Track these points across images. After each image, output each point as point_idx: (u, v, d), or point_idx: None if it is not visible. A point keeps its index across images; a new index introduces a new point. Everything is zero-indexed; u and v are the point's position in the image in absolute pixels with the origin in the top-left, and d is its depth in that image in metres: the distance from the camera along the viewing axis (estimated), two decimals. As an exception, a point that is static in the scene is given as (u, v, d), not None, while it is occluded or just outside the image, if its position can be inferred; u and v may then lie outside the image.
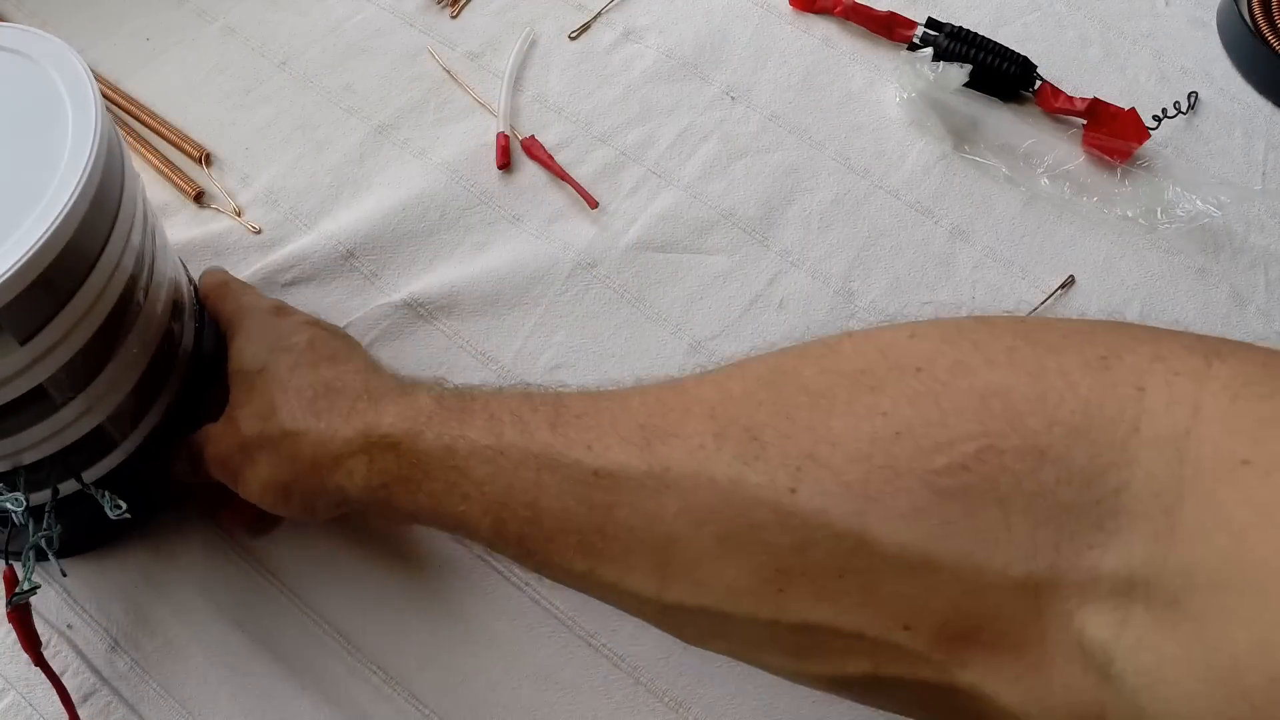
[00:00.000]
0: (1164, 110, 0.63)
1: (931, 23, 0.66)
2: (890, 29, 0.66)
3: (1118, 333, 0.28)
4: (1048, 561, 0.26)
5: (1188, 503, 0.24)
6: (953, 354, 0.28)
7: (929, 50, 0.64)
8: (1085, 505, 0.25)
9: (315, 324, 0.45)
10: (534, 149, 0.61)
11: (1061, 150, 0.61)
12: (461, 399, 0.37)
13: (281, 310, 0.47)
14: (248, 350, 0.44)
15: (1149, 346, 0.27)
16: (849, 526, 0.28)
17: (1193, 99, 0.65)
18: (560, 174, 0.60)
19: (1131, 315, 0.57)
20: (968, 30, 0.65)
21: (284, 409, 0.40)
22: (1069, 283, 0.58)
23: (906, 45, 0.66)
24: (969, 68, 0.63)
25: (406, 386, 0.39)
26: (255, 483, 0.41)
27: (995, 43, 0.64)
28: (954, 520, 0.27)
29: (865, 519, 0.28)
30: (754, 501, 0.29)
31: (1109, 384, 0.26)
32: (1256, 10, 0.68)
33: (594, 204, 0.59)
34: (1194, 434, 0.24)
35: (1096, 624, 0.25)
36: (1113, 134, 0.61)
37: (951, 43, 0.64)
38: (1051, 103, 0.63)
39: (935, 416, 0.27)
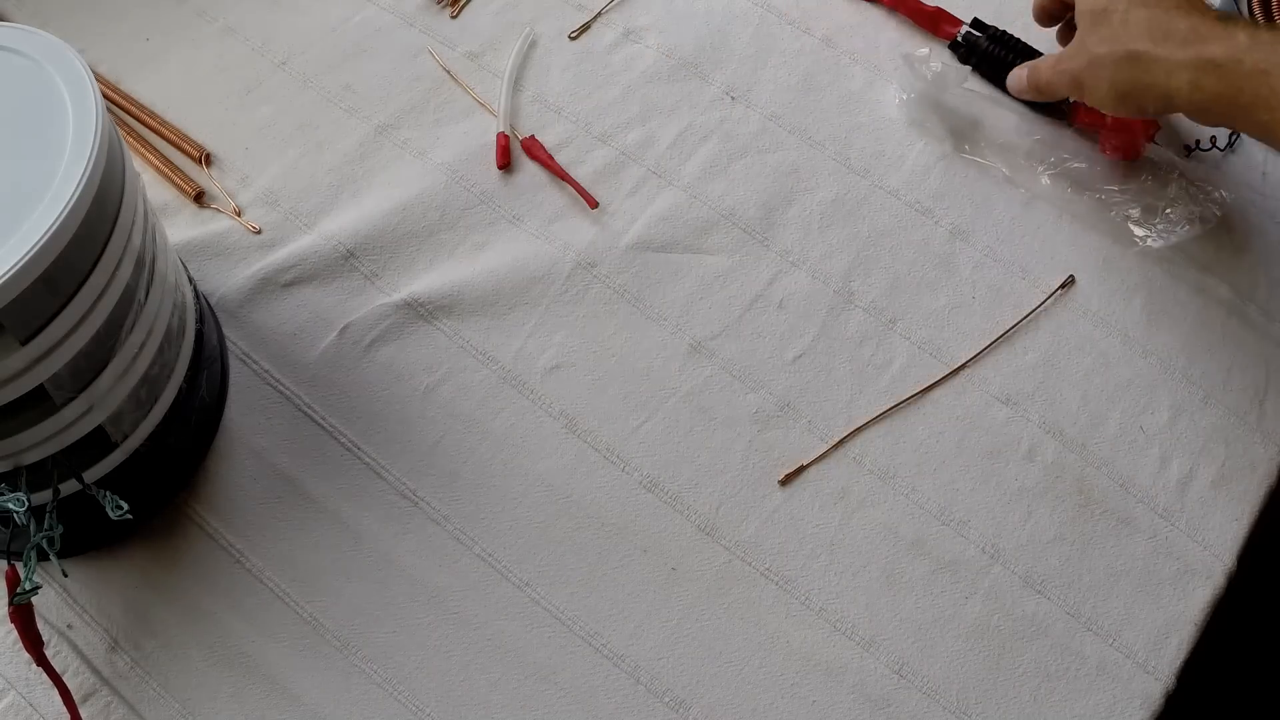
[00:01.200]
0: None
1: (976, 23, 0.66)
2: (936, 24, 0.66)
3: None
4: None
5: None
6: None
7: (926, 50, 0.64)
8: None
9: None
10: (534, 149, 0.61)
11: (1062, 150, 0.61)
12: (1275, 35, 0.49)
13: None
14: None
15: None
16: None
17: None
18: (560, 174, 0.60)
19: (1132, 315, 0.57)
20: (1012, 36, 0.64)
21: (1126, 36, 0.53)
22: (1069, 283, 0.58)
23: (949, 43, 0.66)
24: (967, 69, 0.63)
25: (1225, 24, 0.51)
26: (1102, 88, 0.54)
27: (1037, 51, 0.64)
28: None
29: None
30: None
31: None
32: (1256, 10, 0.68)
33: (594, 204, 0.59)
34: None
35: None
36: (1122, 130, 0.61)
37: (993, 45, 0.64)
38: (1084, 118, 0.63)
39: None
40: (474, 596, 0.49)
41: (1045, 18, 0.63)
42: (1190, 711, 0.50)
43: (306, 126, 0.62)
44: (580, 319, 0.56)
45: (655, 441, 0.53)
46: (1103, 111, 0.56)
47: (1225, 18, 0.51)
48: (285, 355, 0.55)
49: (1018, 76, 0.62)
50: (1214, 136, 0.64)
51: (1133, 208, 0.60)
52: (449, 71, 0.64)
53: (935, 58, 0.63)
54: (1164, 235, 0.59)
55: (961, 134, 0.63)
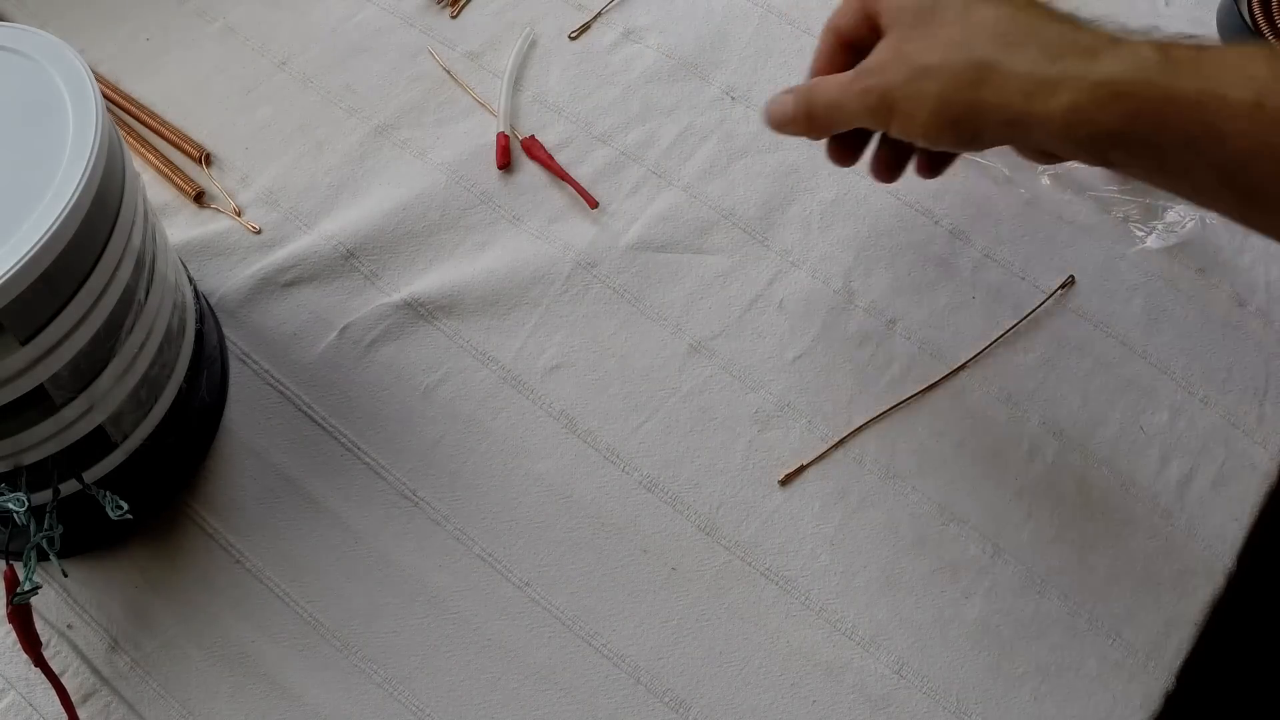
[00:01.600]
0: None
1: None
2: None
3: None
4: None
5: None
6: None
7: None
8: None
9: None
10: (534, 149, 0.61)
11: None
12: (1196, 52, 0.37)
13: None
14: None
15: None
16: None
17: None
18: (560, 174, 0.60)
19: (1132, 315, 0.57)
20: None
21: (968, 40, 0.39)
22: (1069, 283, 0.58)
23: None
24: None
25: (1112, 35, 0.39)
26: (922, 111, 0.40)
27: None
28: None
29: None
30: None
31: None
32: (1256, 10, 0.68)
33: (594, 204, 0.59)
34: None
35: None
36: None
37: None
38: None
39: None
40: (474, 596, 0.49)
41: (845, 36, 0.46)
42: (1190, 711, 0.50)
43: (306, 126, 0.62)
44: (580, 319, 0.56)
45: (655, 441, 0.53)
46: (913, 143, 0.43)
47: (1111, 33, 0.39)
48: (285, 355, 0.55)
49: (781, 104, 0.46)
50: None
51: (1132, 208, 0.60)
52: (449, 71, 0.64)
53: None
54: (1164, 235, 0.59)
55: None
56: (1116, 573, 0.50)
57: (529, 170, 0.61)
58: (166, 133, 0.61)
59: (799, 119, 0.45)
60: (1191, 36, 0.39)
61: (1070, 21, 0.40)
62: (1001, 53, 0.39)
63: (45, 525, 0.43)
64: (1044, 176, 0.61)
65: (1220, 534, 0.51)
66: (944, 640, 0.48)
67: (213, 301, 0.56)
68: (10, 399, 0.38)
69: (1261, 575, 0.55)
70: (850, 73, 0.43)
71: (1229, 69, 0.36)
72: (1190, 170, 0.37)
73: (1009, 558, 0.50)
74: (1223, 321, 0.57)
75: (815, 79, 0.45)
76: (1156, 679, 0.48)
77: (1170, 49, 0.37)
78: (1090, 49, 0.38)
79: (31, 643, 0.44)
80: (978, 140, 0.41)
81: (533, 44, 0.66)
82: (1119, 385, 0.55)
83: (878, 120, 0.43)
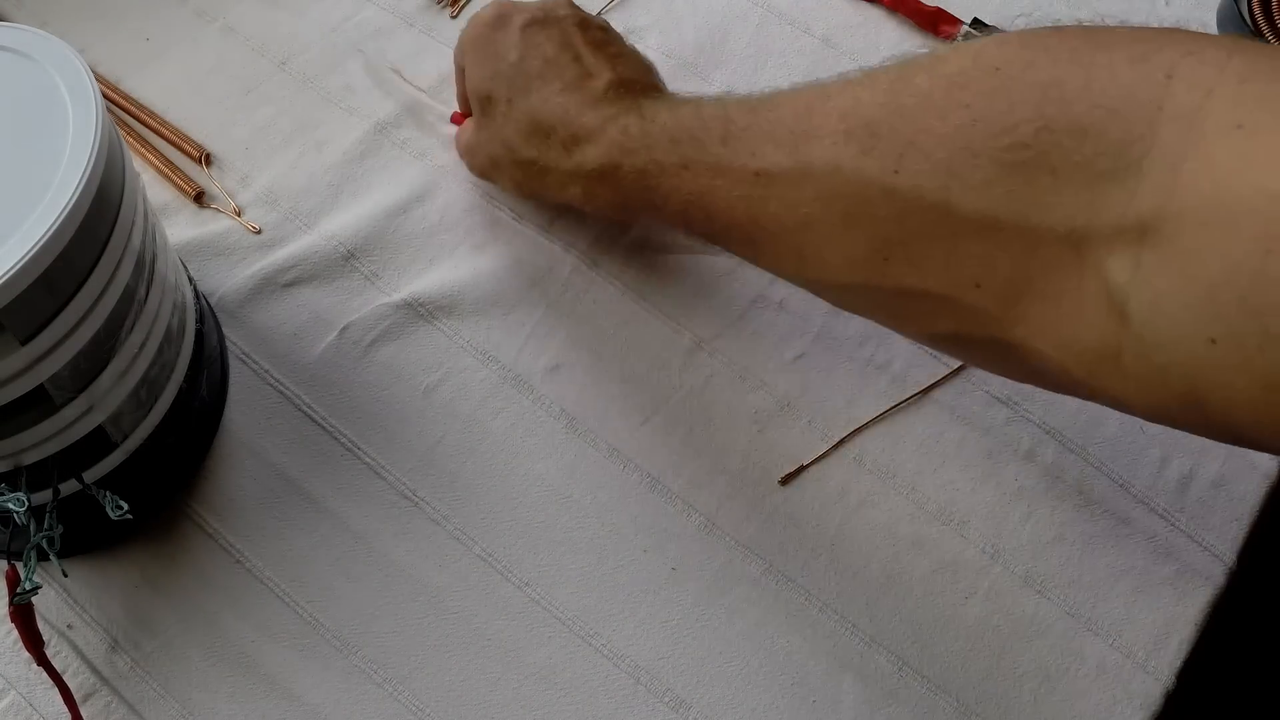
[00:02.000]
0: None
1: (976, 23, 0.66)
2: (935, 24, 0.66)
3: (1164, 35, 0.33)
4: (1085, 219, 0.32)
5: (1189, 161, 0.30)
6: (1027, 55, 0.35)
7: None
8: (1116, 171, 0.31)
9: (528, 27, 0.51)
10: None
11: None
12: (645, 129, 0.45)
13: (500, 22, 0.52)
14: (474, 76, 0.52)
15: (1185, 45, 0.32)
16: (936, 199, 0.35)
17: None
18: None
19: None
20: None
21: (513, 140, 0.50)
22: (1069, 283, 0.58)
23: (949, 43, 0.66)
24: None
25: (599, 120, 0.47)
26: (510, 190, 0.55)
27: None
28: (1016, 189, 0.33)
29: (949, 192, 0.35)
30: (868, 183, 0.37)
31: (1144, 74, 0.32)
32: (1256, 10, 0.68)
33: None
34: (1204, 109, 0.30)
35: (1118, 269, 0.31)
36: None
37: None
38: None
39: (1004, 106, 0.34)
40: (474, 596, 0.49)
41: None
42: (1190, 711, 0.50)
43: (306, 126, 0.62)
44: (581, 319, 0.56)
45: (656, 441, 0.53)
46: None
47: (610, 98, 0.47)
48: (285, 355, 0.55)
49: (458, 138, 0.58)
50: None
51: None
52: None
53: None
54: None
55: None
56: (1116, 573, 0.50)
57: (529, 170, 0.61)
58: (166, 133, 0.61)
59: (464, 156, 0.57)
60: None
61: (583, 90, 0.48)
62: (535, 151, 0.49)
63: (45, 525, 0.43)
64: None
65: (1220, 534, 0.51)
66: (944, 640, 0.48)
67: (213, 301, 0.56)
68: (10, 399, 0.38)
69: (1261, 575, 0.55)
70: (472, 127, 0.55)
71: (662, 136, 0.45)
72: (667, 223, 0.48)
73: (1009, 558, 0.50)
74: (1223, 321, 0.57)
75: (465, 124, 0.57)
76: (1156, 679, 0.48)
77: (630, 125, 0.46)
78: (581, 136, 0.47)
79: (34, 642, 0.44)
80: (563, 210, 0.55)
81: (533, 44, 0.66)
82: (1119, 385, 0.55)
83: (492, 182, 0.56)
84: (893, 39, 0.67)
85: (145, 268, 0.43)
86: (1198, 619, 0.49)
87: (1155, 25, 0.37)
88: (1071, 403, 0.54)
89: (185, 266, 0.52)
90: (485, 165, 0.54)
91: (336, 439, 0.52)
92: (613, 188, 0.47)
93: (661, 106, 0.47)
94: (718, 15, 0.67)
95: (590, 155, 0.47)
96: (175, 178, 0.60)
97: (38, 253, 0.35)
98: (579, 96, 0.48)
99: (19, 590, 0.43)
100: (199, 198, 0.59)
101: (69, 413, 0.41)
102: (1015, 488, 0.52)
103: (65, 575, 0.48)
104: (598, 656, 0.48)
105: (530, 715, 0.47)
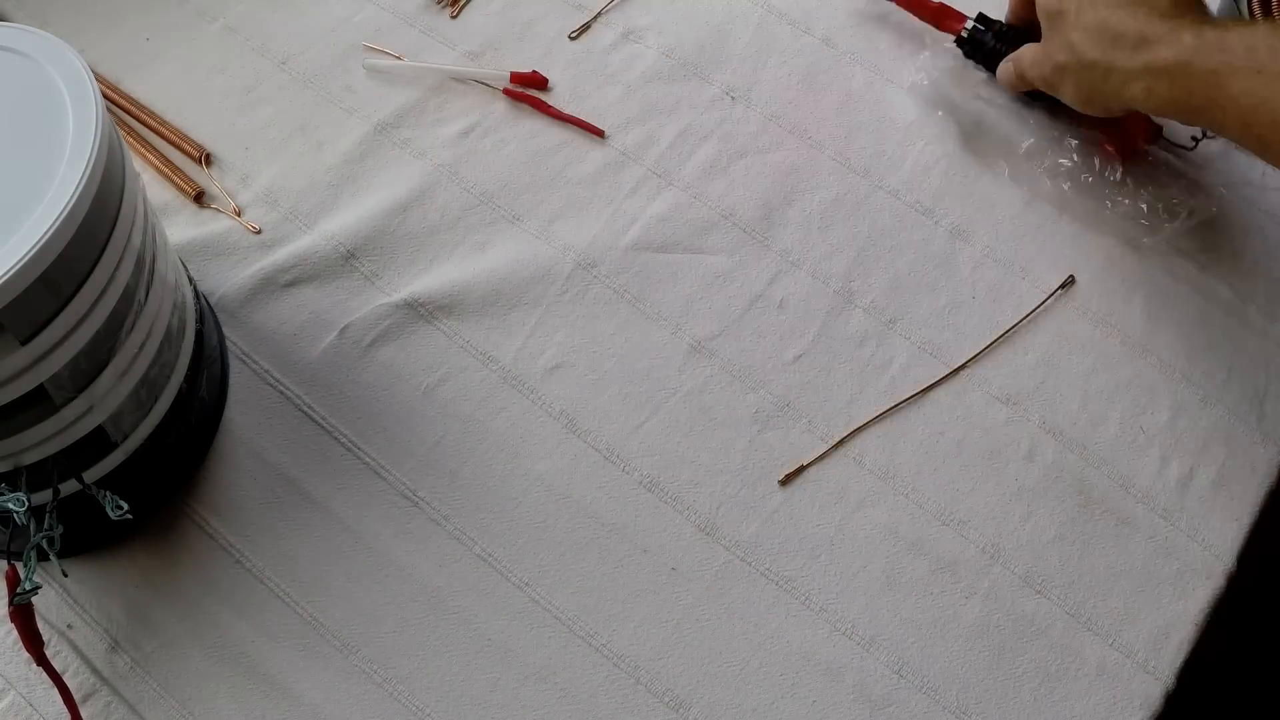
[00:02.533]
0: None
1: (982, 18, 0.65)
2: (940, 19, 0.66)
3: None
4: None
5: None
6: None
7: (950, 46, 0.64)
8: None
9: None
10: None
11: (1062, 149, 0.61)
12: (1219, 34, 0.49)
13: None
14: None
15: None
16: None
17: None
18: (559, 115, 0.62)
19: (1132, 315, 0.57)
20: (1018, 30, 0.64)
21: (1080, 45, 0.54)
22: (1069, 282, 0.58)
23: (954, 39, 0.65)
24: (982, 72, 0.63)
25: (1172, 23, 0.51)
26: (1068, 93, 0.57)
27: None
28: None
29: None
30: None
31: None
32: (1256, 10, 0.68)
33: (600, 133, 0.61)
34: None
35: None
36: (1122, 130, 0.61)
37: (998, 42, 0.64)
38: (1086, 118, 0.62)
39: None
40: (474, 596, 0.49)
41: (1019, 22, 0.64)
42: (1190, 711, 0.50)
43: (306, 126, 0.62)
44: (580, 319, 0.56)
45: (655, 441, 0.53)
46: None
47: (1174, 13, 0.52)
48: (285, 355, 0.55)
49: (1005, 70, 0.63)
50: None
51: (1132, 207, 0.60)
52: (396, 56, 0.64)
53: (943, 53, 0.63)
54: (1163, 235, 0.59)
55: (963, 132, 0.63)
56: (1116, 573, 0.50)
57: (529, 170, 0.61)
58: (166, 132, 0.61)
59: (1015, 80, 0.61)
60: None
61: (1148, 8, 0.52)
62: (1100, 52, 0.53)
63: (45, 525, 0.43)
64: (1044, 176, 0.61)
65: (1220, 534, 0.51)
66: (944, 640, 0.48)
67: (213, 301, 0.56)
68: (10, 399, 0.38)
69: (1261, 575, 0.55)
70: (1035, 50, 0.59)
71: (1238, 44, 0.48)
72: (1221, 123, 0.50)
73: (1009, 558, 0.50)
74: (1223, 321, 0.57)
75: (1021, 50, 0.61)
76: (1156, 679, 0.48)
77: (1203, 32, 0.50)
78: (1151, 40, 0.51)
79: (34, 642, 0.44)
80: (1110, 111, 0.56)
81: (533, 44, 0.66)
82: (1119, 385, 0.55)
83: (1051, 92, 0.59)
84: (893, 38, 0.67)
85: (145, 268, 0.43)
86: (1198, 619, 0.49)
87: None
88: (1072, 402, 0.54)
89: (185, 266, 0.52)
90: (1051, 73, 0.57)
91: (336, 439, 0.52)
92: (1180, 86, 0.50)
93: (1229, 21, 0.52)
94: (718, 15, 0.67)
95: (1161, 54, 0.51)
96: (175, 178, 0.60)
97: (38, 253, 0.35)
98: (1145, 9, 0.52)
99: (19, 590, 0.43)
100: (199, 198, 0.59)
101: (69, 413, 0.41)
102: (1015, 488, 0.52)
103: (65, 575, 0.48)
104: (598, 656, 0.48)
105: (530, 715, 0.47)
